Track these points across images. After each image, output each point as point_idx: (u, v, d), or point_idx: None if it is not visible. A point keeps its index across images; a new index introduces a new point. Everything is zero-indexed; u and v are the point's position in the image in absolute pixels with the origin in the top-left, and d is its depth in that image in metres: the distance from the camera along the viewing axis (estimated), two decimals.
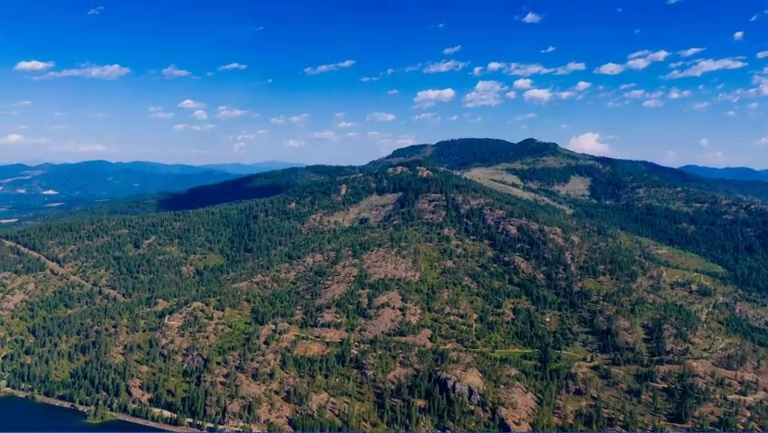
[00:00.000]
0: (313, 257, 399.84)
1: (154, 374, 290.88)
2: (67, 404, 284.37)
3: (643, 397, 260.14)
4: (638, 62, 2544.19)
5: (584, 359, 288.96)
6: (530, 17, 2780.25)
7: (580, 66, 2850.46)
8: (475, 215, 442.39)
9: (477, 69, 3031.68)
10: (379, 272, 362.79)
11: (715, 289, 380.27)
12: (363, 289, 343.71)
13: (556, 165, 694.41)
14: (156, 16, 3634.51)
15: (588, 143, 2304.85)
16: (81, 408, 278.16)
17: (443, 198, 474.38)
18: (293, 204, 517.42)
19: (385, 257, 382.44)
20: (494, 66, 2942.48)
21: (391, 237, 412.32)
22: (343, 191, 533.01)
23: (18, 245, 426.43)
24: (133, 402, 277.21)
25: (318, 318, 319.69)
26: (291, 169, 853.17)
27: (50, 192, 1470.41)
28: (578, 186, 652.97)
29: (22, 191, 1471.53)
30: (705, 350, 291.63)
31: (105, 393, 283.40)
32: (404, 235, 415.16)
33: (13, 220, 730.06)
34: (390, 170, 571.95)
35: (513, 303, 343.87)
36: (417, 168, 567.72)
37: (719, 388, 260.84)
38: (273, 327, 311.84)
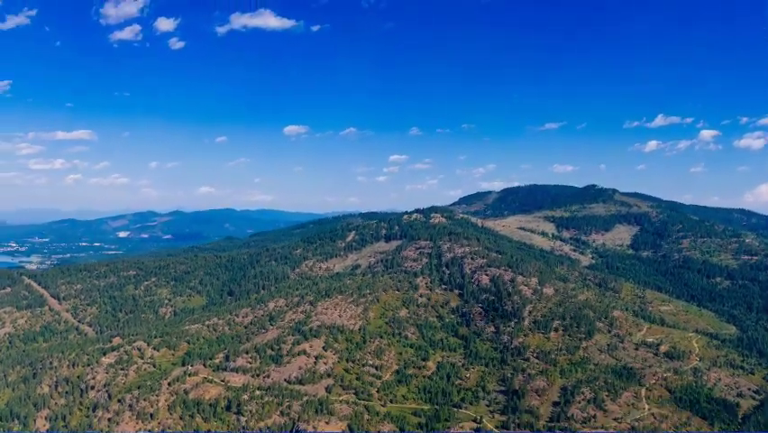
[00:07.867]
0: (276, 302, 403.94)
1: (65, 407, 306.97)
2: None
3: None
4: None
5: (474, 420, 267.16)
6: None
7: None
8: (455, 264, 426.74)
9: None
10: (321, 319, 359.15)
11: (693, 352, 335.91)
12: (293, 335, 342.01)
13: (602, 213, 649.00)
14: (398, 77, 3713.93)
15: None
16: None
17: (431, 245, 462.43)
18: (299, 249, 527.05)
19: (338, 304, 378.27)
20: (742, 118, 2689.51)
21: (359, 285, 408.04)
22: (350, 238, 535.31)
23: (32, 283, 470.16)
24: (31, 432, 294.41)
25: (231, 363, 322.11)
26: (341, 216, 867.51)
27: (168, 237, 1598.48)
28: (620, 235, 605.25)
29: (146, 236, 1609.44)
30: (616, 419, 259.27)
31: (15, 421, 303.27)
32: (373, 283, 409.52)
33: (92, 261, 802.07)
34: (405, 217, 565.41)
35: (442, 356, 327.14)
36: (432, 215, 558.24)
37: None
38: (187, 368, 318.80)
